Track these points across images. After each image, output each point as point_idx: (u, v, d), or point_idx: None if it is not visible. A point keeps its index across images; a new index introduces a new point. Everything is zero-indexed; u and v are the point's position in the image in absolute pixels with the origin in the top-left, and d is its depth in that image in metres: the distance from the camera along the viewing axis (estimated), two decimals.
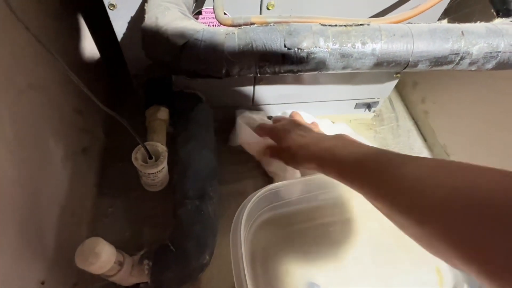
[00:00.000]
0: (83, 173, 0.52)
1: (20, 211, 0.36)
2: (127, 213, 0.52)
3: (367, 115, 0.73)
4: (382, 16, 0.44)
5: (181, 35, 0.33)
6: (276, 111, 0.67)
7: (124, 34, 0.48)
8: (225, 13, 0.43)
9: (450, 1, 0.48)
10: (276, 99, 0.64)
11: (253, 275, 0.49)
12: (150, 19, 0.35)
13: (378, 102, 0.68)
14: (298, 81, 0.59)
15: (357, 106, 0.69)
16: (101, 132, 0.60)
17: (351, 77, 0.58)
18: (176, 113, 0.58)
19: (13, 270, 0.34)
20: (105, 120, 0.62)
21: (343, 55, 0.34)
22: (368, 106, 0.69)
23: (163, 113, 0.56)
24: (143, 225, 0.51)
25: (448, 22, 0.39)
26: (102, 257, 0.38)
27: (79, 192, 0.50)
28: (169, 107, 0.58)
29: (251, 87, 0.60)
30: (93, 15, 0.58)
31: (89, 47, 0.60)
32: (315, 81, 0.59)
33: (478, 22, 0.38)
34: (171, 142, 0.54)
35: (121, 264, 0.42)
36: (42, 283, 0.39)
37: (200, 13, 0.46)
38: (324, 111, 0.68)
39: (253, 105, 0.63)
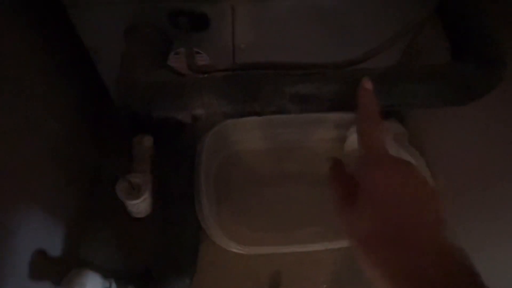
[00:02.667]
0: (74, 199, 0.56)
1: None
2: (114, 238, 0.55)
3: None
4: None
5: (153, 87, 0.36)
6: (260, 125, 0.70)
7: (108, 71, 0.52)
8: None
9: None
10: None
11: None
12: (124, 71, 0.38)
13: None
14: None
15: None
16: (90, 161, 0.63)
17: None
18: (160, 141, 0.62)
19: None
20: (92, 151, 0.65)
21: None
22: None
23: (147, 141, 0.59)
24: (129, 249, 0.54)
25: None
26: (87, 286, 0.41)
27: (68, 218, 0.53)
28: (153, 134, 0.61)
29: None
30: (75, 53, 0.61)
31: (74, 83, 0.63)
32: None
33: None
34: (155, 169, 0.58)
35: None
36: None
37: (177, 53, 0.49)
38: None
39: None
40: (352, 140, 0.73)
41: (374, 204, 0.22)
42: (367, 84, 0.31)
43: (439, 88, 0.39)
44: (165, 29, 0.45)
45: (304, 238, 0.61)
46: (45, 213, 0.48)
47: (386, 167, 0.24)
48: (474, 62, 0.40)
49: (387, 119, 0.72)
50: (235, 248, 0.52)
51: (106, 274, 0.47)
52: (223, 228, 0.55)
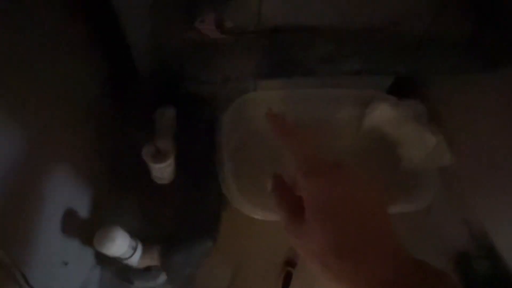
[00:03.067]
0: (101, 165, 0.58)
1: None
2: (139, 204, 0.57)
3: None
4: None
5: None
6: (280, 99, 0.70)
7: (136, 38, 0.52)
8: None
9: None
10: (284, 83, 0.65)
11: None
12: (156, 32, 0.39)
13: None
14: None
15: None
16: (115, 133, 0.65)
17: None
18: (182, 113, 0.63)
19: (44, 253, 0.39)
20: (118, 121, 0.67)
21: None
22: None
23: (170, 113, 0.61)
24: (154, 214, 0.56)
25: None
26: (117, 241, 0.43)
27: (95, 182, 0.55)
28: (176, 107, 0.62)
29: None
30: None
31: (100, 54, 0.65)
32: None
33: None
34: (177, 140, 0.59)
35: (134, 248, 0.47)
36: (66, 264, 0.44)
37: (203, 21, 0.50)
38: None
39: (257, 89, 0.66)
40: (370, 118, 0.73)
41: (322, 216, 0.21)
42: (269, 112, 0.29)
43: (466, 53, 0.40)
44: None
45: None
46: (75, 176, 0.50)
47: (324, 175, 0.22)
48: (500, 29, 0.40)
49: (407, 99, 0.71)
50: (256, 214, 0.53)
51: (132, 234, 0.49)
52: (244, 196, 0.56)
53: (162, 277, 0.52)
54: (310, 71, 0.38)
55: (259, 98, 0.70)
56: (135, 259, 0.48)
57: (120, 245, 0.43)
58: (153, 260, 0.49)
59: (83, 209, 0.51)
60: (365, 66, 0.38)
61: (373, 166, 0.71)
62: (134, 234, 0.50)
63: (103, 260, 0.54)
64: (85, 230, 0.51)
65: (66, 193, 0.48)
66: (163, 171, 0.52)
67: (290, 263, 0.56)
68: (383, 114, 0.70)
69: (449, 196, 0.66)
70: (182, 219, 0.52)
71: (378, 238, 0.20)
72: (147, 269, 0.51)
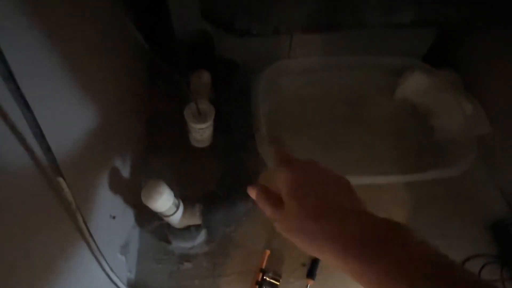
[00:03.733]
0: (139, 131, 0.58)
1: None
2: (177, 168, 0.57)
3: None
4: None
5: None
6: (315, 66, 0.70)
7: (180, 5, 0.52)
8: None
9: None
10: (318, 49, 0.65)
11: None
12: None
13: None
14: None
15: None
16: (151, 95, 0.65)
17: None
18: (217, 78, 0.63)
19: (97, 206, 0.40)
20: (154, 84, 0.67)
21: None
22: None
23: (206, 77, 0.60)
24: (193, 176, 0.57)
25: None
26: (164, 195, 0.44)
27: (135, 143, 0.56)
28: (211, 72, 0.62)
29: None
30: None
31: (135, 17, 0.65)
32: None
33: None
34: (214, 105, 0.59)
35: (177, 206, 0.48)
36: (113, 217, 0.45)
37: None
38: None
39: (290, 56, 0.65)
40: (404, 87, 0.71)
41: (296, 194, 0.26)
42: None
43: None
44: None
45: (354, 173, 0.62)
46: (119, 136, 0.51)
47: (295, 167, 0.28)
48: None
49: (443, 69, 0.70)
50: None
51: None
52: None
53: (200, 238, 0.53)
54: (361, 21, 0.38)
55: (291, 65, 0.69)
56: (177, 217, 0.48)
57: (166, 199, 0.44)
58: (194, 219, 0.50)
59: (125, 169, 0.52)
60: (419, 15, 0.37)
61: (405, 135, 0.70)
62: (176, 193, 0.51)
63: (142, 220, 0.55)
64: (126, 189, 0.52)
65: (112, 150, 0.48)
66: (203, 132, 0.52)
67: None
68: (418, 82, 0.69)
69: (485, 164, 0.65)
70: (221, 181, 0.52)
71: (344, 204, 0.25)
72: (186, 229, 0.52)
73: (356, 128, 0.71)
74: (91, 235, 0.36)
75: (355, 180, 0.58)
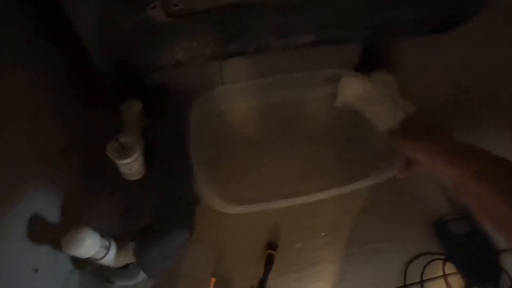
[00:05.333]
0: (68, 171, 0.56)
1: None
2: (112, 201, 0.55)
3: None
4: None
5: None
6: (250, 90, 0.70)
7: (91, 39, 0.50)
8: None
9: None
10: (251, 69, 0.65)
11: None
12: (104, 18, 0.37)
13: None
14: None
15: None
16: (80, 130, 0.63)
17: None
18: (150, 105, 0.61)
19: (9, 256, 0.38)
20: (83, 118, 0.65)
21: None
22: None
23: (136, 106, 0.59)
24: (128, 210, 0.55)
25: None
26: (86, 242, 0.42)
27: (65, 184, 0.53)
28: (142, 100, 0.61)
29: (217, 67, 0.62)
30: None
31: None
32: None
33: None
34: (146, 133, 0.57)
35: (107, 248, 0.46)
36: (36, 270, 0.43)
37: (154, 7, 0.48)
38: None
39: (223, 78, 0.65)
40: (341, 94, 0.72)
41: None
42: None
43: (424, 12, 0.39)
44: None
45: (298, 192, 0.62)
46: (40, 180, 0.49)
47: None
48: None
49: (377, 71, 0.71)
50: (230, 209, 0.52)
51: (105, 234, 0.47)
52: (216, 191, 0.55)
53: (143, 274, 0.52)
54: (264, 46, 0.37)
55: (229, 89, 0.69)
56: (110, 259, 0.47)
57: (90, 245, 0.42)
58: (130, 257, 0.48)
59: (53, 212, 0.50)
60: (320, 35, 0.37)
61: (349, 143, 0.71)
62: (110, 232, 0.49)
63: (79, 263, 0.52)
64: (57, 234, 0.49)
65: (31, 197, 0.46)
66: (130, 167, 0.50)
67: (271, 246, 0.56)
68: (353, 87, 0.70)
69: None
70: (156, 214, 0.51)
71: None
72: (125, 267, 0.51)
73: (300, 143, 0.72)
74: None
75: (300, 200, 0.59)
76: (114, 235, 0.49)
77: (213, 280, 0.53)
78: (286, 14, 0.36)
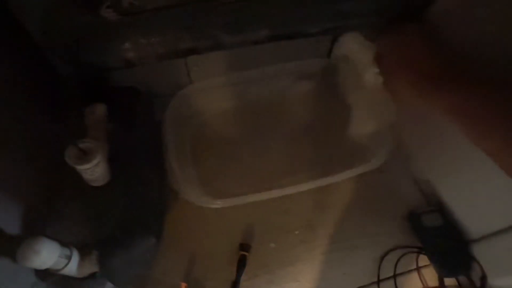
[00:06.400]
0: (33, 176, 0.54)
1: None
2: (76, 209, 0.53)
3: None
4: None
5: None
6: (220, 86, 0.68)
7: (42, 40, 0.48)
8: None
9: None
10: (219, 66, 0.64)
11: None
12: (49, 17, 0.36)
13: None
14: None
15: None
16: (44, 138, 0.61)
17: None
18: (115, 109, 0.59)
19: None
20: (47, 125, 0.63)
21: None
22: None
23: (100, 111, 0.57)
24: (93, 217, 0.53)
25: None
26: (43, 253, 0.40)
27: (27, 194, 0.51)
28: (107, 103, 0.59)
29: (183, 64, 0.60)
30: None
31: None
32: None
33: None
34: (112, 138, 0.56)
35: (68, 257, 0.44)
36: None
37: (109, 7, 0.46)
38: None
39: (190, 77, 0.64)
40: (341, 45, 0.69)
41: None
42: None
43: (376, 3, 0.39)
44: None
45: (275, 187, 0.61)
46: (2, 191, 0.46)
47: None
48: None
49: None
50: (208, 203, 0.52)
51: (67, 243, 0.46)
52: (195, 187, 0.55)
53: (109, 284, 0.50)
54: (216, 43, 0.36)
55: (205, 86, 0.68)
56: (72, 269, 0.45)
57: (46, 256, 0.40)
58: (93, 266, 0.47)
59: (13, 224, 0.48)
60: (275, 30, 0.36)
61: (327, 136, 0.71)
62: (74, 241, 0.47)
63: (43, 275, 0.50)
64: (15, 244, 0.47)
65: None
66: (92, 172, 0.48)
67: (244, 247, 0.55)
68: (354, 41, 0.68)
69: (400, 156, 0.67)
70: (121, 220, 0.49)
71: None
72: (91, 276, 0.49)
73: (279, 136, 0.71)
74: None
75: (277, 193, 0.58)
76: (79, 243, 0.48)
77: (184, 285, 0.52)
78: (237, 9, 0.35)
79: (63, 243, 0.44)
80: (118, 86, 0.62)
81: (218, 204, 0.55)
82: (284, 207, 0.61)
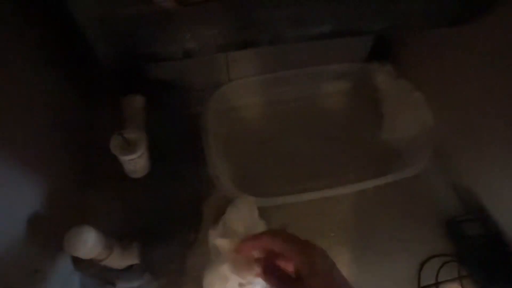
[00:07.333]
0: (70, 164, 0.54)
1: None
2: (115, 200, 0.53)
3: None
4: None
5: None
6: (258, 85, 0.68)
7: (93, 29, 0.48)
8: None
9: None
10: (258, 65, 0.63)
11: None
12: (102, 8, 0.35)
13: None
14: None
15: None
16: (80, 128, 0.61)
17: None
18: (152, 101, 0.59)
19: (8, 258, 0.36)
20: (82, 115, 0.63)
21: None
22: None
23: (138, 102, 0.57)
24: (131, 209, 0.52)
25: None
26: (89, 242, 0.39)
27: (66, 182, 0.51)
28: (144, 95, 0.59)
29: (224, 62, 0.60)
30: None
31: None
32: None
33: None
34: (150, 130, 0.55)
35: (111, 248, 0.44)
36: (36, 271, 0.41)
37: None
38: None
39: (229, 74, 0.64)
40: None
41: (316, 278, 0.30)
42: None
43: (440, 3, 0.37)
44: None
45: (311, 188, 0.60)
46: (41, 178, 0.46)
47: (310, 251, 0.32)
48: None
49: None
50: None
51: (109, 234, 0.45)
52: (233, 182, 0.54)
53: (146, 276, 0.49)
54: (277, 36, 0.35)
55: (242, 84, 0.67)
56: (113, 260, 0.44)
57: (93, 246, 0.40)
58: (133, 258, 0.46)
59: (53, 212, 0.48)
60: (338, 26, 0.35)
61: (361, 140, 0.70)
62: (112, 232, 0.47)
63: (80, 265, 0.50)
64: (58, 234, 0.47)
65: (30, 196, 0.44)
66: (135, 163, 0.48)
67: None
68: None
69: (437, 160, 0.65)
70: (161, 213, 0.49)
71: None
72: (129, 268, 0.48)
73: (312, 137, 0.70)
74: None
75: (314, 195, 0.57)
76: (117, 235, 0.47)
77: None
78: (302, 2, 0.34)
79: (106, 234, 0.44)
80: (155, 79, 0.62)
81: (258, 202, 0.54)
82: (319, 208, 0.60)
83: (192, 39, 0.34)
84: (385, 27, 0.37)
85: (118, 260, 0.45)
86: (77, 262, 0.50)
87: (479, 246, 0.55)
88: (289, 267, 0.33)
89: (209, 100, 0.59)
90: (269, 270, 0.33)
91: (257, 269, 0.33)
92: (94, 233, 0.41)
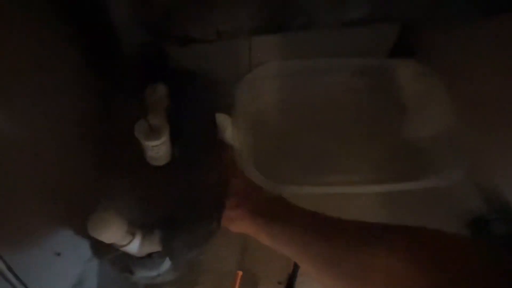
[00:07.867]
0: (92, 152, 0.54)
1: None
2: (135, 188, 0.53)
3: None
4: None
5: None
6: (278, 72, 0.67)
7: (120, 16, 0.48)
8: None
9: None
10: (280, 54, 0.62)
11: None
12: None
13: None
14: None
15: None
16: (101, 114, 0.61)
17: None
18: (174, 90, 0.59)
19: (32, 241, 0.35)
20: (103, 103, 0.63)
21: None
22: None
23: (161, 91, 0.56)
24: (151, 198, 0.52)
25: None
26: (113, 226, 0.39)
27: (86, 169, 0.51)
28: (166, 84, 0.58)
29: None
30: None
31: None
32: None
33: None
34: (172, 118, 0.55)
35: (132, 234, 0.43)
36: (58, 254, 0.40)
37: None
38: None
39: (251, 63, 0.63)
40: None
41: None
42: None
43: None
44: None
45: (330, 182, 0.59)
46: (62, 165, 0.46)
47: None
48: None
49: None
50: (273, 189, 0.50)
51: (129, 220, 0.45)
52: (258, 170, 0.55)
53: (165, 265, 0.49)
54: (311, 21, 0.35)
55: (264, 76, 0.66)
56: (134, 246, 0.44)
57: (116, 230, 0.40)
58: (154, 246, 0.46)
59: (73, 196, 0.47)
60: (374, 10, 0.34)
61: (385, 138, 0.68)
62: (133, 220, 0.47)
63: (99, 251, 0.50)
64: (77, 218, 0.47)
65: (51, 178, 0.43)
66: (158, 149, 0.48)
67: None
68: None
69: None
70: (182, 202, 0.48)
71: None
72: (148, 257, 0.48)
73: (334, 133, 0.69)
74: (19, 279, 0.31)
75: (341, 190, 0.56)
76: (139, 222, 0.47)
77: (240, 273, 0.50)
78: None
79: (129, 220, 0.44)
80: (177, 68, 0.61)
81: (285, 190, 0.53)
82: (341, 204, 0.58)
83: (227, 19, 0.34)
84: (419, 15, 0.36)
85: (138, 247, 0.45)
86: (97, 248, 0.50)
87: (505, 246, 0.53)
88: None
89: (235, 87, 0.59)
90: None
91: None
92: (118, 218, 0.40)
